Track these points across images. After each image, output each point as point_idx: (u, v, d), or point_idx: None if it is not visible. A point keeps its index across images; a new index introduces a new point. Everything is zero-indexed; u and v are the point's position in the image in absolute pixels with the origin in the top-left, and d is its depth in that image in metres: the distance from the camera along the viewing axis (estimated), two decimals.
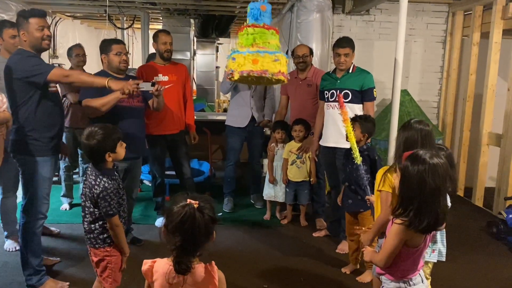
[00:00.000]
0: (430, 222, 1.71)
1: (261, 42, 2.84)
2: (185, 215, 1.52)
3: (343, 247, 3.65)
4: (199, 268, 1.63)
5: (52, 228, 3.86)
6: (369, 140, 3.23)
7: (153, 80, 3.53)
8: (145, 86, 3.24)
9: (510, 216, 3.92)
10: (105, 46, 3.36)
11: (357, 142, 3.09)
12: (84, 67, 4.48)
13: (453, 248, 3.74)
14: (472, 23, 5.19)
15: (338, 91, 3.57)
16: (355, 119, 3.14)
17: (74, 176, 4.73)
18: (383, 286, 1.98)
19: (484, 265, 3.54)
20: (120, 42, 3.44)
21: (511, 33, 4.50)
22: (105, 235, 2.31)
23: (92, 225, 2.31)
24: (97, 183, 2.26)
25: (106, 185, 2.25)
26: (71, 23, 8.75)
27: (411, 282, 1.89)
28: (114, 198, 2.26)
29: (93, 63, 5.74)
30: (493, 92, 4.87)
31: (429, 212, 1.70)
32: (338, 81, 3.62)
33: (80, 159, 4.49)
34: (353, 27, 5.56)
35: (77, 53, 4.39)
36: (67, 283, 2.95)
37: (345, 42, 3.57)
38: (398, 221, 1.77)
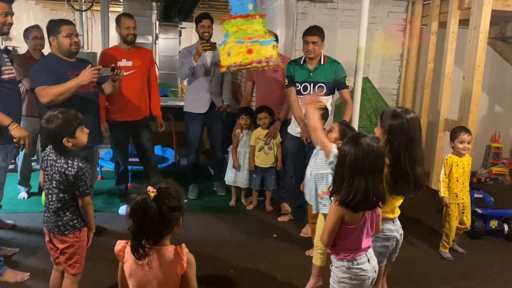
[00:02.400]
0: (358, 200, 1.83)
1: (250, 31, 2.86)
2: (137, 202, 1.54)
3: (307, 231, 3.74)
4: (169, 250, 1.65)
5: (8, 221, 3.70)
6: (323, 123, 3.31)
7: (113, 65, 3.43)
8: (105, 72, 3.14)
9: None
10: (53, 27, 3.11)
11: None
12: (45, 51, 4.25)
13: (411, 229, 3.92)
14: (431, 12, 5.35)
15: (312, 84, 3.60)
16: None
17: (32, 164, 4.55)
18: (331, 265, 2.10)
19: (436, 246, 3.72)
20: (69, 23, 3.22)
21: (467, 23, 4.67)
22: (75, 221, 2.31)
23: (61, 212, 2.28)
24: (70, 164, 2.23)
25: (80, 164, 2.25)
26: (25, 4, 8.36)
27: (355, 262, 1.99)
28: (88, 177, 2.28)
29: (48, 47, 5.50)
30: (450, 80, 5.06)
31: (356, 189, 1.82)
32: (311, 74, 3.62)
33: (40, 148, 4.32)
34: (317, 14, 5.60)
35: (34, 35, 4.10)
36: (28, 273, 2.88)
37: (314, 30, 3.56)
38: (334, 199, 1.91)
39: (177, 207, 1.61)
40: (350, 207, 1.86)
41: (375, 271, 2.06)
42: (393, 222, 2.39)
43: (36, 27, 4.22)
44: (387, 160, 2.09)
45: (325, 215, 2.69)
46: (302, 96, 3.64)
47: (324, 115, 3.26)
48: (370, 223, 1.99)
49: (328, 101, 3.62)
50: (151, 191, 1.56)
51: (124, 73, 3.73)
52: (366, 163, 1.83)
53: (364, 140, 1.85)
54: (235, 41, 2.83)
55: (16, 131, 2.69)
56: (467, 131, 3.46)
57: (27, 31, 4.16)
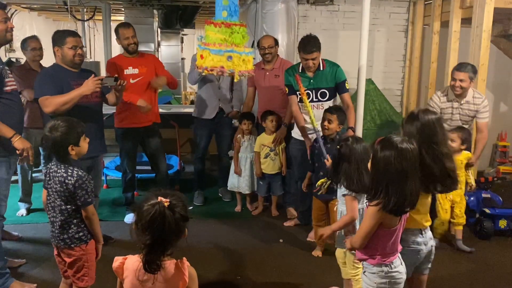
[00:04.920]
0: (399, 203, 1.79)
1: (231, 41, 2.87)
2: (154, 213, 1.51)
3: (314, 235, 3.71)
4: (170, 265, 1.62)
5: (14, 233, 3.70)
6: (340, 128, 3.31)
7: (116, 75, 3.44)
8: (108, 81, 3.16)
9: (471, 198, 4.07)
10: (59, 38, 3.15)
11: (333, 133, 3.26)
12: (44, 62, 4.25)
13: None
14: (432, 12, 5.32)
15: (314, 91, 3.58)
16: (331, 111, 3.26)
17: (34, 175, 4.52)
18: (365, 271, 2.04)
19: (447, 247, 3.68)
20: (75, 34, 3.24)
21: (469, 22, 4.63)
22: (81, 233, 2.29)
23: (66, 225, 2.26)
24: (69, 173, 2.22)
25: (80, 173, 2.24)
26: (27, 15, 8.43)
27: (392, 266, 1.96)
28: (90, 186, 2.26)
29: (52, 57, 5.54)
30: None
31: (396, 193, 1.79)
32: (312, 81, 3.59)
33: (42, 161, 4.31)
34: (318, 17, 5.59)
35: (33, 47, 4.07)
36: (34, 284, 2.88)
37: (310, 47, 3.42)
38: (373, 203, 1.86)
39: (186, 217, 1.59)
40: (397, 212, 1.83)
41: (406, 273, 2.03)
42: (422, 234, 2.19)
43: (34, 38, 4.19)
44: None
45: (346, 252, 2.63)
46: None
47: (343, 119, 3.30)
48: (402, 225, 1.96)
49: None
50: (165, 201, 1.53)
51: (132, 81, 3.77)
52: (409, 166, 1.80)
53: (401, 144, 1.82)
54: (219, 49, 2.87)
55: (19, 143, 2.68)
56: (456, 130, 3.54)
57: (24, 42, 4.10)
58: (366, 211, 1.94)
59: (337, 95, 3.70)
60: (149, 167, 4.38)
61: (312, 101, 3.57)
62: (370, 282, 1.99)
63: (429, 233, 2.24)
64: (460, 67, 3.71)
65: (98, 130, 3.35)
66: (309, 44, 3.46)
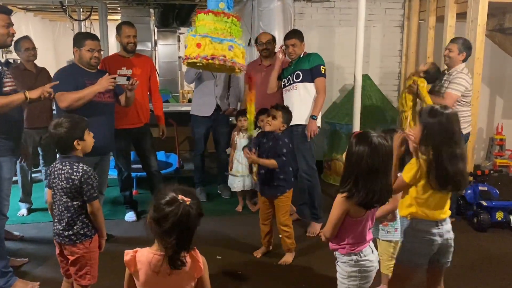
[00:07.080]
0: (367, 198, 1.86)
1: (230, 32, 2.83)
2: (182, 214, 1.52)
3: (313, 230, 3.74)
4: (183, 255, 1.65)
5: (16, 233, 3.72)
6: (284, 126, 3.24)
7: (128, 75, 3.49)
8: (121, 80, 3.24)
9: (469, 191, 4.11)
10: (79, 40, 3.30)
11: (275, 130, 3.19)
12: (41, 63, 4.27)
13: None
14: (428, 7, 5.35)
15: (292, 75, 3.75)
16: (277, 108, 3.24)
17: (33, 175, 4.53)
18: (337, 261, 2.10)
19: None
20: (94, 38, 3.35)
21: (464, 17, 4.67)
22: (85, 229, 2.32)
23: (71, 221, 2.29)
24: (75, 169, 2.25)
25: (85, 168, 2.27)
26: (23, 16, 8.42)
27: (361, 254, 2.02)
28: (95, 181, 2.29)
29: (50, 57, 5.54)
30: None
31: (365, 188, 1.85)
32: (291, 67, 3.79)
33: (41, 161, 4.33)
34: (314, 14, 5.62)
35: (26, 47, 4.06)
36: (37, 283, 2.90)
37: (291, 34, 3.82)
38: (342, 193, 1.92)
39: (202, 213, 1.61)
40: (366, 206, 1.89)
41: (378, 261, 2.09)
42: (437, 226, 2.19)
43: (27, 39, 4.17)
44: (424, 156, 2.07)
45: (385, 241, 2.66)
46: (285, 88, 3.82)
47: (288, 119, 3.23)
48: (371, 216, 2.03)
49: (305, 88, 3.69)
50: (186, 199, 1.55)
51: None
52: (381, 163, 1.86)
53: (376, 140, 1.87)
54: (222, 38, 2.78)
55: (33, 93, 2.73)
56: None
57: (17, 43, 4.06)
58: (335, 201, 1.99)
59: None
60: None
61: (290, 84, 3.76)
62: (342, 271, 2.06)
63: (446, 226, 2.23)
64: (453, 39, 4.02)
65: (109, 129, 3.42)
66: (289, 32, 3.93)
